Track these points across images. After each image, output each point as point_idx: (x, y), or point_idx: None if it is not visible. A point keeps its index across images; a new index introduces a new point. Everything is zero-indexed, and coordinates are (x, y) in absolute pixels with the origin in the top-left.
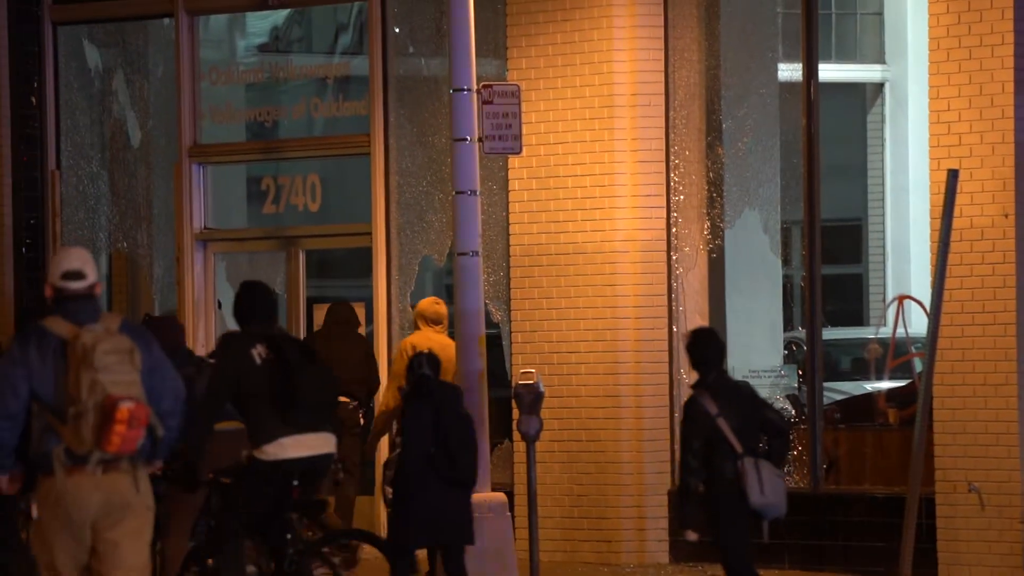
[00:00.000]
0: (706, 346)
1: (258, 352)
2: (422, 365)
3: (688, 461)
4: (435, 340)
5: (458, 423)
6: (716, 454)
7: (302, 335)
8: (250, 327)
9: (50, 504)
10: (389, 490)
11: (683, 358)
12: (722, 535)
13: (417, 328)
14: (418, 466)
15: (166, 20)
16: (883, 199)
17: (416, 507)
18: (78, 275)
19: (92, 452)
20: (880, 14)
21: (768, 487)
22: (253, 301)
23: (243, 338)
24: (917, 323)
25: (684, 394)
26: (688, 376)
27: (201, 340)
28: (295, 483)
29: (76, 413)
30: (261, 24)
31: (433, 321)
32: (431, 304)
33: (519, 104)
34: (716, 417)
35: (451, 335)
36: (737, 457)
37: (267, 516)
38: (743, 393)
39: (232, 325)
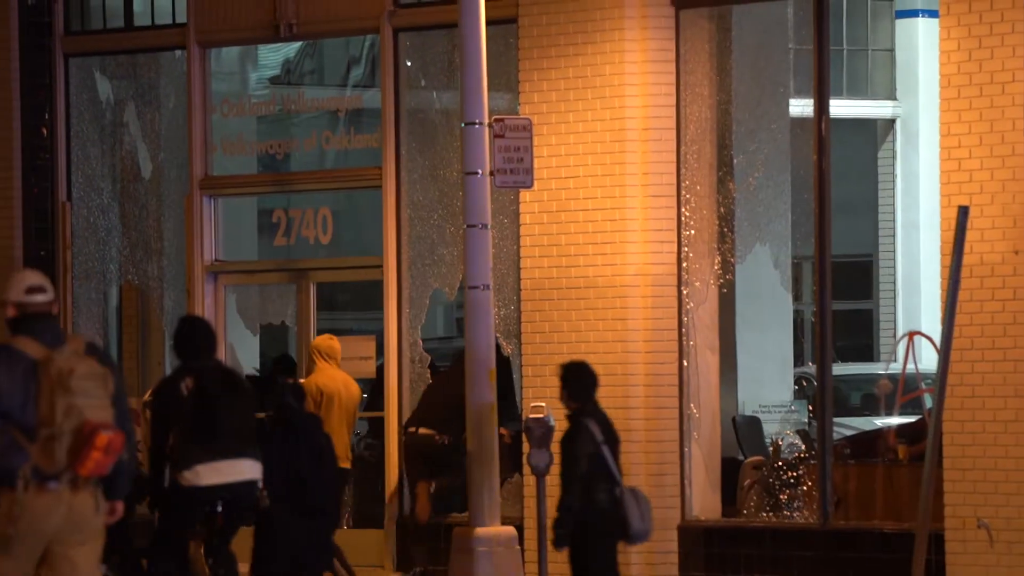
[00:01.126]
0: (583, 377)
1: (185, 384)
2: (286, 395)
3: (574, 486)
4: (339, 378)
5: (313, 454)
6: (593, 481)
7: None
8: (185, 361)
9: (11, 518)
10: None
11: (692, 392)
12: (595, 561)
13: (313, 362)
14: (277, 495)
15: (178, 52)
16: (894, 235)
17: (275, 537)
18: (40, 289)
19: (63, 472)
20: (891, 50)
21: (645, 515)
22: (187, 336)
23: (174, 372)
24: (927, 359)
25: (694, 428)
26: (696, 411)
27: None
28: (218, 509)
29: (49, 435)
30: (273, 57)
31: (329, 356)
32: (326, 340)
33: (531, 138)
34: (602, 444)
35: (462, 368)
36: (616, 485)
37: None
38: (612, 425)
39: (244, 357)
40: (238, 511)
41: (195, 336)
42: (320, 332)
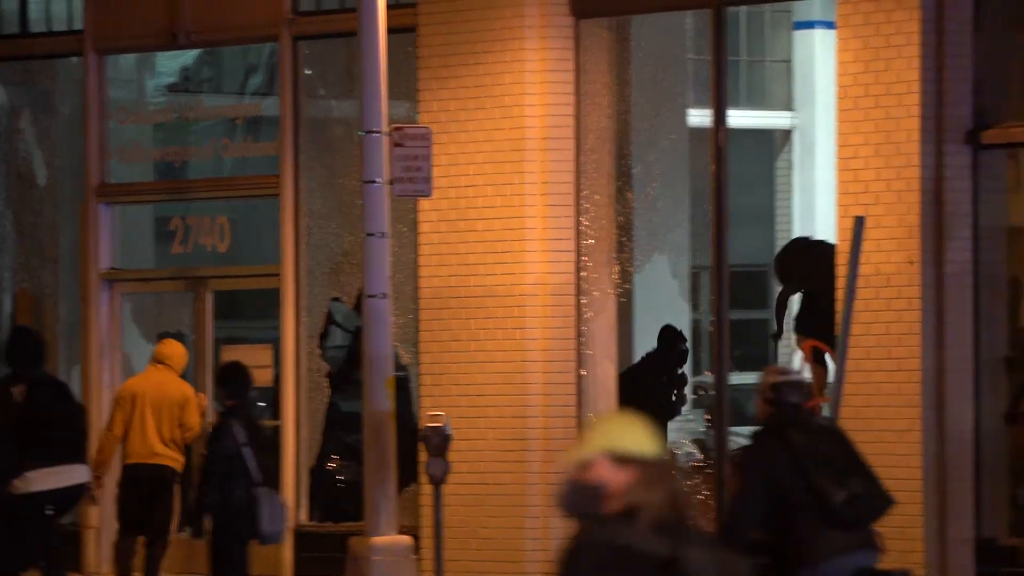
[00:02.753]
0: (238, 378)
1: (17, 391)
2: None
3: (212, 482)
4: (152, 379)
5: None
6: (232, 480)
7: (208, 375)
8: (14, 368)
9: None
10: None
11: (591, 401)
12: (226, 555)
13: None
14: None
15: (74, 59)
16: None
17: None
18: None
19: None
20: (789, 62)
21: (277, 517)
22: (18, 345)
23: (6, 378)
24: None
25: None
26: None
27: (107, 381)
28: (49, 513)
29: None
30: (171, 64)
31: (156, 360)
32: (157, 344)
33: (429, 147)
34: (243, 445)
35: (359, 376)
36: (252, 485)
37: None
38: (263, 429)
39: (140, 365)
40: (67, 513)
41: (27, 344)
42: (218, 341)
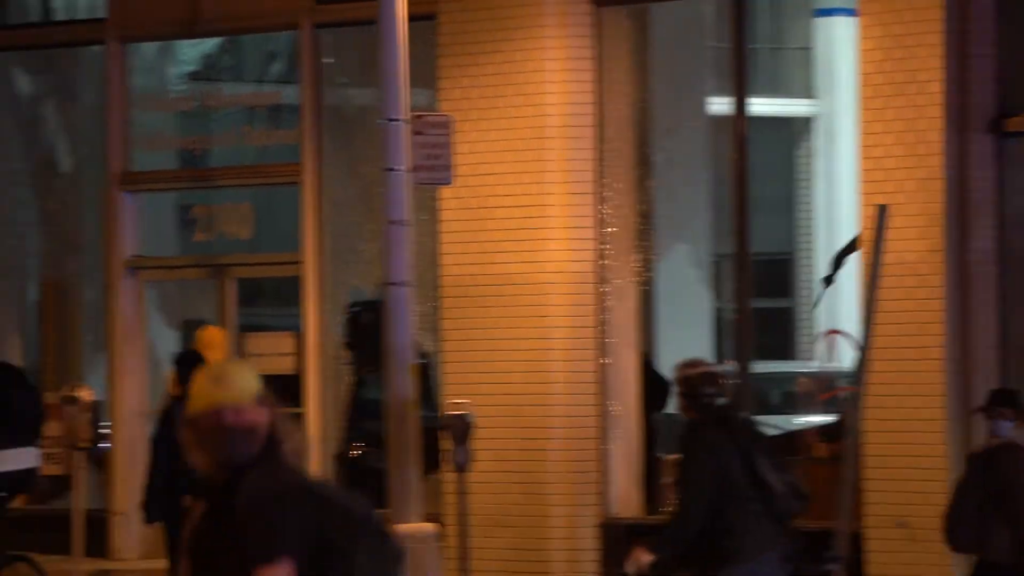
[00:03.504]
0: (191, 364)
1: None
2: None
3: (159, 465)
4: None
5: None
6: (175, 463)
7: None
8: None
9: None
10: None
11: (613, 389)
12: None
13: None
14: None
15: (97, 47)
16: (813, 233)
17: None
18: None
19: None
20: (809, 49)
21: None
22: None
23: None
24: (846, 358)
25: (615, 426)
26: (617, 409)
27: (131, 368)
28: (3, 494)
29: None
30: (192, 52)
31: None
32: (197, 332)
33: (450, 135)
34: None
35: (378, 365)
36: None
37: None
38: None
39: (163, 353)
40: (17, 495)
41: None
42: (241, 328)
